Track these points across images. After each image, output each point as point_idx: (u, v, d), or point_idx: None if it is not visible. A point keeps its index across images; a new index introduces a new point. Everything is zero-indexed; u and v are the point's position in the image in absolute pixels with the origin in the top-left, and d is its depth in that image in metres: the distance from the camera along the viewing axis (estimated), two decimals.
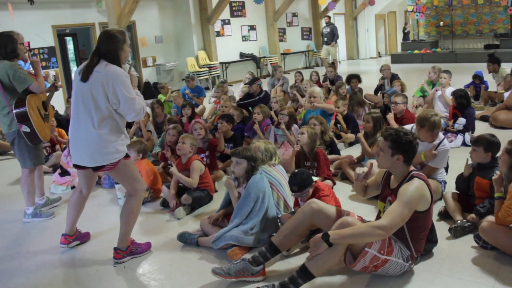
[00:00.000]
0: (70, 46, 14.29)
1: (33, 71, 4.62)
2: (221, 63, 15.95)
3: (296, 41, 19.83)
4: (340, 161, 5.49)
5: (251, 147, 4.33)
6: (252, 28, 17.81)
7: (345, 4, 22.72)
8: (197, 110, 8.46)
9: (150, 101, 7.73)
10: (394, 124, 5.88)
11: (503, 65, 9.28)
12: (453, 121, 6.58)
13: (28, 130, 4.40)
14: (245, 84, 10.03)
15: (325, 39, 15.29)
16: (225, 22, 16.66)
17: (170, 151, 5.63)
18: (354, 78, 9.17)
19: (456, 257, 3.43)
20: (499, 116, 7.23)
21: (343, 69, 17.17)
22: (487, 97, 8.92)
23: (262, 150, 4.42)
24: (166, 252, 3.91)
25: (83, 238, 4.20)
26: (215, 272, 3.25)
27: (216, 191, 5.22)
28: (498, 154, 3.90)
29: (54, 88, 4.91)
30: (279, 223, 3.97)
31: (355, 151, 5.98)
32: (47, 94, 4.81)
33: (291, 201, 4.33)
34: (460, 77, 9.51)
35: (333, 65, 10.93)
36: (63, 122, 7.63)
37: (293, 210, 4.22)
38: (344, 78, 9.52)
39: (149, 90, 13.83)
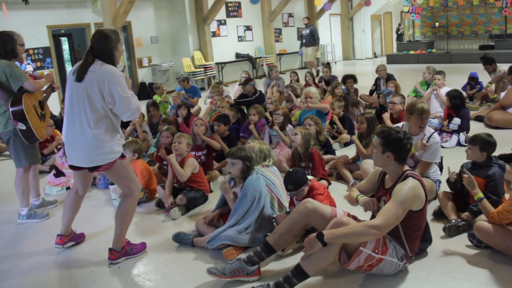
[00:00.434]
0: (65, 46, 14.26)
1: (29, 71, 4.63)
2: (217, 63, 15.96)
3: (292, 42, 19.83)
4: (335, 161, 5.50)
5: (245, 147, 4.33)
6: (248, 28, 17.82)
7: (341, 4, 22.76)
8: (192, 110, 8.45)
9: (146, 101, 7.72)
10: (389, 124, 5.90)
11: (498, 65, 9.35)
12: (448, 121, 6.61)
13: (24, 127, 4.41)
14: (239, 85, 10.04)
15: (304, 41, 14.68)
16: (221, 23, 16.66)
17: (165, 151, 5.64)
18: (349, 78, 9.20)
19: (450, 256, 3.45)
20: (494, 116, 7.26)
21: (339, 70, 17.19)
22: (481, 97, 8.96)
23: (256, 150, 4.41)
24: (161, 253, 3.91)
25: (78, 239, 4.19)
26: (210, 272, 3.25)
27: (211, 191, 5.22)
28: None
29: (51, 88, 4.92)
30: (274, 223, 3.98)
31: (350, 151, 5.99)
32: (44, 94, 4.82)
33: (285, 201, 4.33)
34: (456, 77, 9.54)
35: (328, 65, 10.92)
36: (58, 123, 7.60)
37: (288, 210, 4.22)
38: (340, 79, 9.53)
39: (144, 91, 13.81)
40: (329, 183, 5.06)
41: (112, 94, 3.37)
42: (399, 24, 24.38)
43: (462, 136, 6.36)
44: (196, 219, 4.28)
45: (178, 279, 3.45)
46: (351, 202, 3.53)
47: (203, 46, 15.45)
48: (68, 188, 5.71)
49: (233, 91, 10.30)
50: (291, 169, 4.03)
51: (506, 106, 7.29)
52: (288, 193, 4.02)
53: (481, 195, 3.45)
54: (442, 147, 6.20)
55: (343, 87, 8.75)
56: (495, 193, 3.72)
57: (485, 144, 3.90)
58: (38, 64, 11.52)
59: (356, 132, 5.95)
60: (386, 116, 6.18)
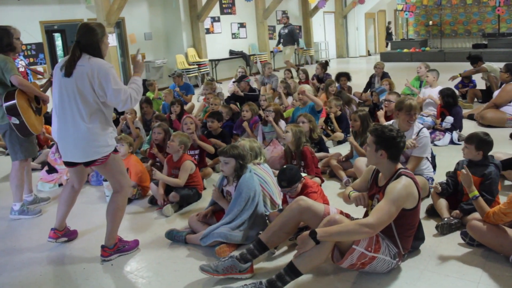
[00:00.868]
0: (58, 42, 14.18)
1: (21, 67, 4.63)
2: (211, 60, 15.92)
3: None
4: (329, 158, 5.50)
5: (238, 145, 4.32)
6: (242, 25, 17.79)
7: (335, 2, 22.80)
8: (186, 107, 8.43)
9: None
10: (383, 122, 5.89)
11: (491, 63, 9.41)
12: (441, 119, 6.63)
13: (17, 122, 4.43)
14: (233, 82, 10.02)
15: (282, 40, 14.10)
16: (215, 20, 16.62)
17: (157, 148, 5.63)
18: (343, 76, 9.20)
19: (443, 254, 3.46)
20: (487, 114, 7.29)
21: (333, 67, 17.19)
22: (473, 95, 9.01)
23: (247, 149, 4.38)
24: (154, 250, 3.90)
25: (71, 235, 4.18)
26: (203, 269, 3.24)
27: (204, 188, 5.21)
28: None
29: (49, 83, 4.90)
30: (267, 221, 3.98)
31: (344, 149, 6.00)
32: (41, 89, 4.83)
33: (277, 198, 4.33)
34: (449, 76, 9.57)
35: (326, 64, 10.89)
36: (50, 119, 7.55)
37: (281, 207, 4.22)
38: (333, 76, 9.54)
39: None
40: (322, 181, 5.06)
41: (102, 86, 3.36)
42: (389, 23, 24.46)
43: (455, 135, 6.38)
44: (189, 216, 4.27)
45: (170, 276, 3.44)
46: (345, 200, 3.54)
47: (197, 43, 15.41)
48: (61, 185, 5.69)
49: (227, 88, 10.28)
50: (285, 166, 4.02)
51: (499, 104, 7.31)
52: (281, 189, 4.01)
53: (476, 193, 3.45)
54: (435, 145, 6.24)
55: (337, 85, 8.75)
56: (490, 192, 3.73)
57: (481, 142, 3.90)
58: (31, 60, 11.45)
59: (351, 130, 5.94)
60: (380, 114, 6.19)
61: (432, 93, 7.44)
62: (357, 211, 3.56)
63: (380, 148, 3.15)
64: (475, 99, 8.99)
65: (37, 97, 4.71)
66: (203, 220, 4.08)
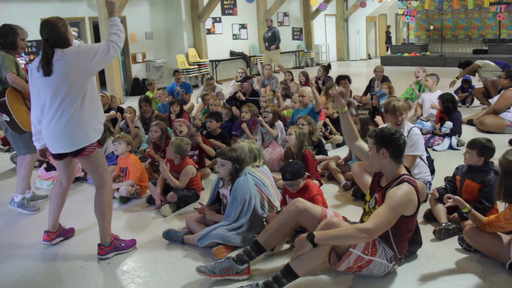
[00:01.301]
0: None
1: (21, 65, 4.65)
2: (211, 61, 15.92)
3: (287, 41, 19.82)
4: (327, 161, 5.50)
5: (237, 147, 4.31)
6: (243, 26, 17.80)
7: (337, 5, 22.82)
8: (185, 107, 8.42)
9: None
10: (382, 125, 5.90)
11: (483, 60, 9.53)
12: (440, 124, 6.63)
13: (8, 119, 4.46)
14: (236, 82, 10.02)
15: (266, 44, 14.04)
16: (216, 20, 16.63)
17: (154, 147, 5.63)
18: (343, 79, 9.19)
19: (440, 259, 3.46)
20: (486, 120, 7.29)
21: (333, 70, 17.16)
22: (479, 94, 9.07)
23: (246, 150, 4.37)
24: (151, 250, 3.89)
25: (67, 234, 4.17)
26: (199, 270, 3.24)
27: (203, 189, 5.20)
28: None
29: None
30: (265, 223, 3.97)
31: (343, 152, 6.00)
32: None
33: (275, 200, 4.33)
34: (449, 81, 9.58)
35: (328, 67, 10.87)
36: None
37: (279, 209, 4.21)
38: (334, 79, 9.53)
39: (138, 87, 13.76)
40: (321, 184, 5.06)
41: (94, 60, 3.42)
42: (388, 27, 24.46)
43: (454, 140, 6.39)
44: (187, 216, 4.26)
45: (167, 277, 3.44)
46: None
47: (198, 43, 15.41)
48: None
49: (229, 87, 10.28)
50: (290, 160, 4.01)
51: (498, 110, 7.32)
52: (284, 182, 3.98)
53: (468, 208, 3.43)
54: (434, 150, 6.25)
55: (337, 87, 8.74)
56: (489, 199, 3.72)
57: (484, 149, 3.88)
58: (31, 57, 11.43)
59: None
60: (378, 119, 6.19)
61: (431, 98, 7.45)
62: (354, 215, 3.56)
63: (381, 147, 3.15)
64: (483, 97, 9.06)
65: None
66: (203, 213, 4.07)
